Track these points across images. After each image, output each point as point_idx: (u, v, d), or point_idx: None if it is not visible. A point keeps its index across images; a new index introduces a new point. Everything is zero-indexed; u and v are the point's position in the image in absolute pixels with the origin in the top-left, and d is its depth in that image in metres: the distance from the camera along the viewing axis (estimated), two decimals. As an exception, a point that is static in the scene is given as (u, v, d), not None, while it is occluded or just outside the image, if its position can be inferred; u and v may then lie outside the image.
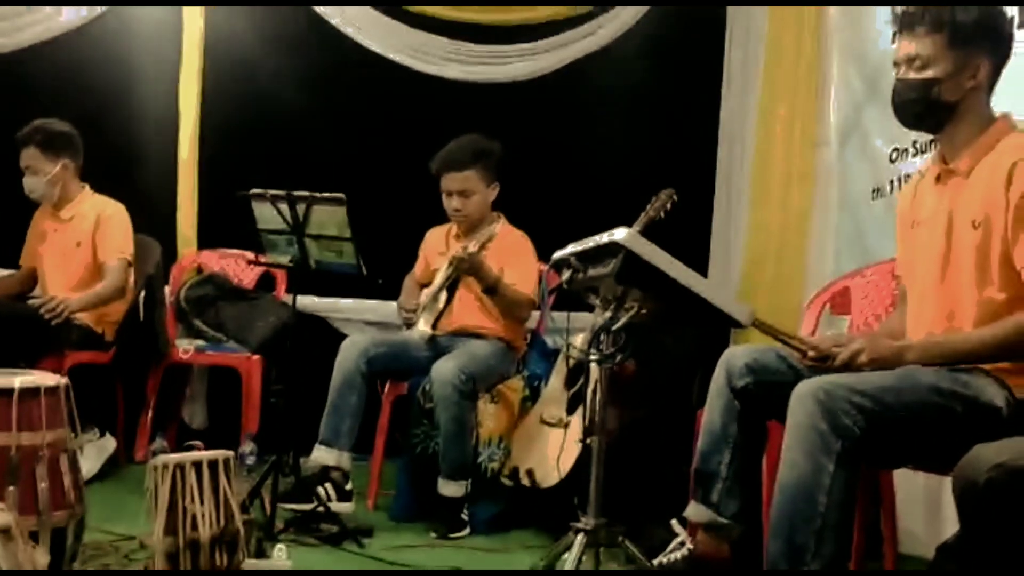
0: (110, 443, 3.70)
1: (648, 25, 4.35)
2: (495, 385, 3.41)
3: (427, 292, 3.55)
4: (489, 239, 3.47)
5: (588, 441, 2.44)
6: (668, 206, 3.34)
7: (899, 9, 2.20)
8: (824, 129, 3.76)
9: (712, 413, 2.30)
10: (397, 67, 4.37)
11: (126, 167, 4.28)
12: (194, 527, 2.23)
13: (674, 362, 3.49)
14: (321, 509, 3.04)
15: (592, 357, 2.43)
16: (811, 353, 2.11)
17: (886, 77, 2.28)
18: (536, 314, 3.64)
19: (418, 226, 3.82)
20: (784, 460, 1.96)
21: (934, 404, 1.97)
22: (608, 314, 2.32)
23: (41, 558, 2.09)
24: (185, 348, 3.95)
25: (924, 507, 2.96)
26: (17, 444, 2.22)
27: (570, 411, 3.26)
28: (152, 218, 4.07)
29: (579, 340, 3.00)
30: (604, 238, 2.19)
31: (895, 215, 2.45)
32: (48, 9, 4.21)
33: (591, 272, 2.31)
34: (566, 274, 2.43)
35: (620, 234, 2.13)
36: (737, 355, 2.27)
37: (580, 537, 2.35)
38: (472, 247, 3.35)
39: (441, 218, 3.63)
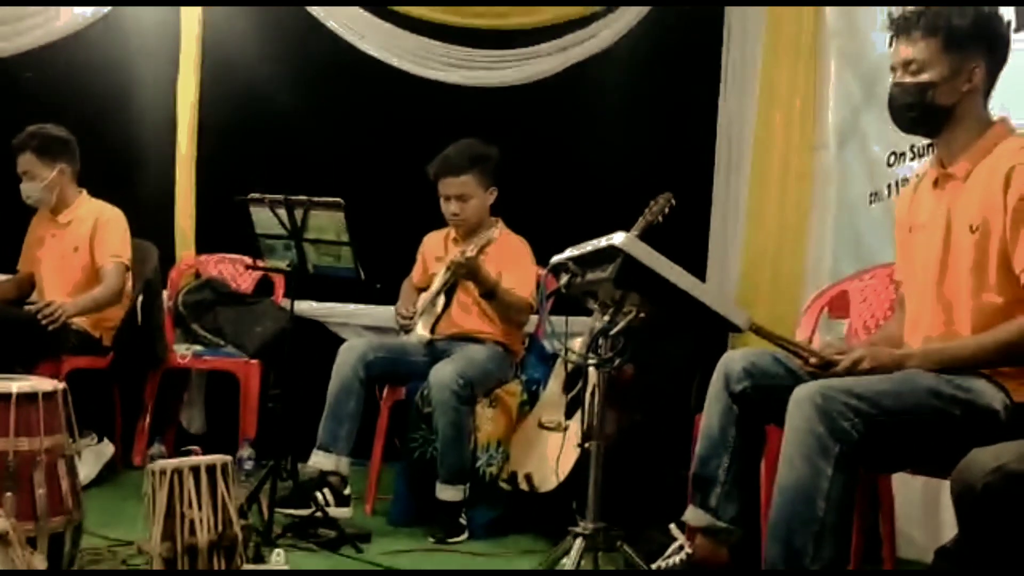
0: (108, 448, 3.70)
1: (646, 29, 4.36)
2: (493, 389, 3.40)
3: (425, 296, 3.55)
4: (487, 243, 3.46)
5: (586, 445, 2.44)
6: (666, 210, 3.34)
7: (895, 13, 2.20)
8: (822, 133, 3.76)
9: (710, 417, 2.30)
10: (395, 71, 4.37)
11: (124, 171, 4.28)
12: (192, 532, 2.23)
13: (672, 366, 3.49)
14: (319, 514, 3.03)
15: (590, 361, 2.42)
16: (813, 360, 2.12)
17: (883, 81, 2.28)
18: (534, 318, 3.64)
19: (416, 230, 3.82)
20: (782, 464, 1.96)
21: (932, 407, 1.97)
22: (606, 318, 2.32)
23: (39, 564, 2.08)
24: (183, 353, 3.95)
25: (922, 511, 2.96)
26: (15, 449, 2.22)
27: (568, 415, 3.26)
28: (150, 222, 4.07)
29: (577, 344, 3.00)
30: (602, 242, 2.19)
31: (893, 219, 2.45)
32: (49, 12, 4.21)
33: (589, 276, 2.31)
34: (564, 278, 2.43)
35: (618, 238, 2.13)
36: (735, 359, 2.27)
37: (579, 541, 2.35)
38: (470, 251, 3.35)
39: (439, 222, 3.63)
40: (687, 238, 4.05)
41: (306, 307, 4.21)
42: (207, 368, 4.13)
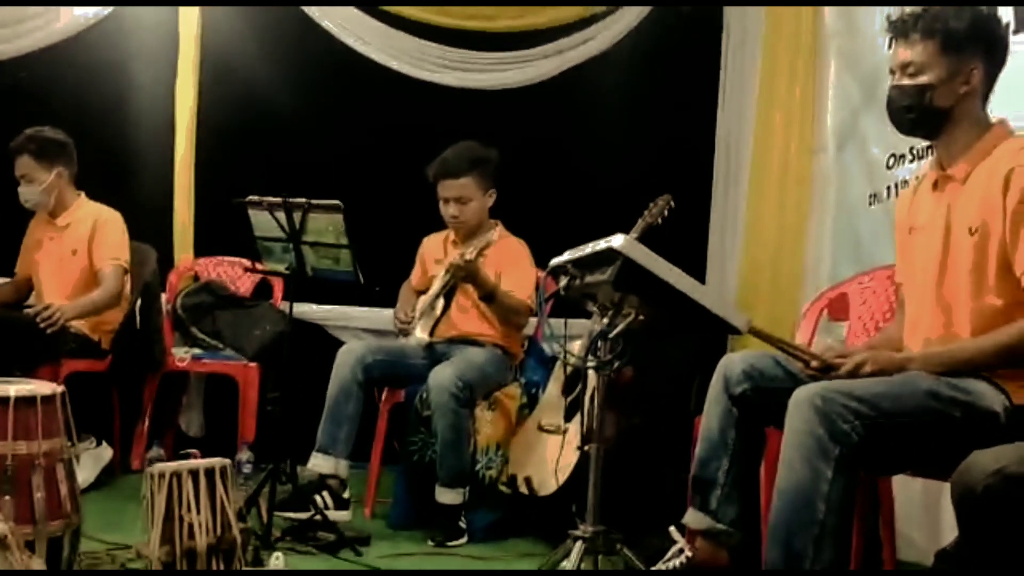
0: (106, 452, 3.69)
1: (645, 31, 4.36)
2: (492, 392, 3.40)
3: (424, 299, 3.55)
4: (486, 246, 3.47)
5: (586, 448, 2.44)
6: (665, 212, 3.34)
7: (894, 16, 2.21)
8: (821, 135, 3.77)
9: (710, 420, 2.30)
10: (394, 74, 4.37)
11: (122, 174, 4.28)
12: (191, 536, 2.23)
13: (672, 369, 3.49)
14: (318, 517, 3.03)
15: (590, 364, 2.42)
16: (813, 363, 2.12)
17: (883, 83, 2.29)
18: (533, 321, 3.64)
19: (415, 233, 3.82)
20: (782, 466, 1.96)
21: (932, 410, 1.97)
22: (605, 321, 2.32)
23: (37, 568, 2.08)
24: (182, 356, 3.94)
25: (923, 513, 2.95)
26: (13, 453, 2.22)
27: (568, 418, 3.26)
28: (148, 225, 4.06)
29: (577, 347, 3.00)
30: (601, 245, 2.19)
31: (892, 221, 2.45)
32: (49, 14, 4.21)
33: (588, 279, 2.31)
34: (563, 281, 2.42)
35: (617, 241, 2.12)
36: (735, 361, 2.27)
37: (578, 545, 2.35)
38: (469, 254, 3.35)
39: (438, 225, 3.63)
40: (686, 240, 4.05)
41: (305, 310, 4.21)
42: (206, 371, 4.12)
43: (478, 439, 3.30)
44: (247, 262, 3.90)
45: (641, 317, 2.27)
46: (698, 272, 4.24)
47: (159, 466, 2.27)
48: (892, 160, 3.29)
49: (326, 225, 2.91)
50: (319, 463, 3.24)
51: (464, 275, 3.35)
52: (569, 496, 2.96)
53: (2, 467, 2.20)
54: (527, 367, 3.67)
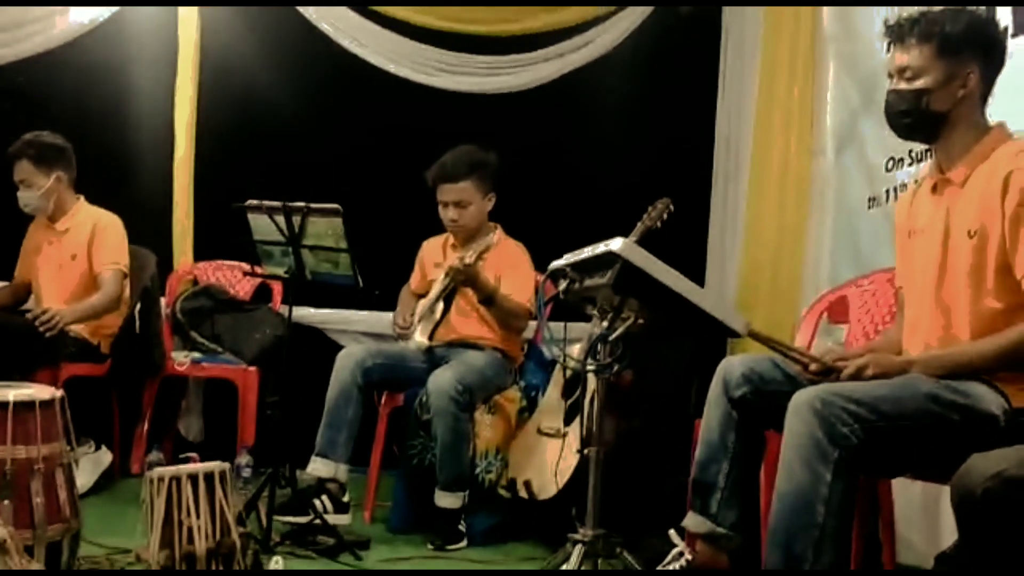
0: (106, 456, 3.69)
1: (644, 34, 4.37)
2: (492, 396, 3.40)
3: (424, 303, 3.54)
4: (486, 249, 3.46)
5: (586, 451, 2.43)
6: (665, 215, 3.34)
7: (891, 20, 2.21)
8: (820, 138, 3.77)
9: (710, 423, 2.30)
10: (394, 78, 4.38)
11: (121, 178, 4.28)
12: (190, 540, 2.23)
13: (671, 372, 3.49)
14: (318, 521, 3.02)
15: (589, 367, 2.42)
16: (813, 366, 2.12)
17: (881, 87, 2.29)
18: (533, 324, 3.64)
19: (414, 236, 3.82)
20: (782, 470, 1.96)
21: (931, 413, 1.97)
22: (605, 324, 2.32)
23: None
24: (181, 360, 3.94)
25: (922, 516, 2.95)
26: (12, 457, 2.22)
27: (567, 421, 3.25)
28: (148, 229, 4.06)
29: (576, 350, 3.00)
30: (600, 248, 2.19)
31: (891, 224, 2.46)
32: (49, 18, 4.20)
33: (588, 282, 2.31)
34: (563, 284, 2.42)
35: (616, 244, 2.12)
36: (734, 365, 2.27)
37: (578, 548, 2.34)
38: (469, 258, 3.35)
39: (438, 228, 3.63)
40: (685, 243, 4.05)
41: (304, 314, 4.21)
42: (205, 375, 4.12)
43: (478, 443, 3.29)
44: (246, 266, 3.91)
45: (640, 320, 2.26)
46: (697, 275, 4.24)
47: (158, 470, 2.27)
48: (891, 163, 3.29)
49: (325, 229, 2.91)
50: (318, 467, 3.23)
51: (464, 279, 3.35)
52: (569, 500, 2.96)
53: (1, 471, 2.20)
54: (527, 371, 3.67)
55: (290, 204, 2.93)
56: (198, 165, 4.35)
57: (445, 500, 3.21)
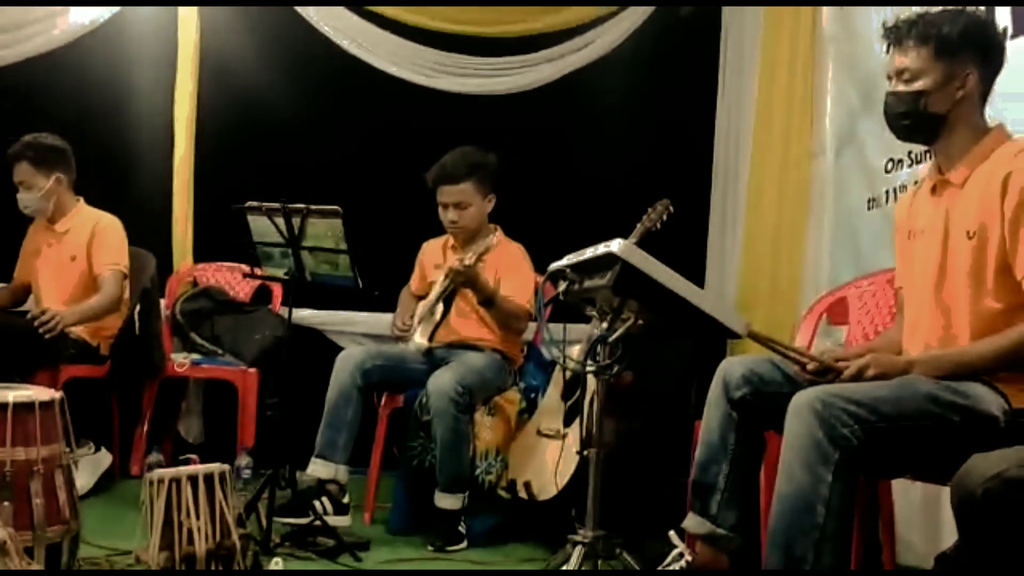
0: (105, 458, 3.69)
1: (643, 36, 4.37)
2: (492, 397, 3.40)
3: (424, 304, 3.55)
4: (486, 251, 3.47)
5: (585, 453, 2.43)
6: (664, 217, 3.34)
7: (888, 22, 2.21)
8: (820, 139, 3.77)
9: (709, 424, 2.30)
10: (393, 79, 4.38)
11: (121, 179, 4.28)
12: (190, 541, 2.23)
13: (671, 373, 3.49)
14: (318, 523, 3.02)
15: (589, 368, 2.42)
16: (811, 366, 2.12)
17: (881, 88, 2.29)
18: (533, 325, 3.64)
19: (414, 238, 3.82)
20: (782, 471, 1.96)
21: (931, 414, 1.97)
22: (604, 325, 2.32)
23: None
24: (181, 361, 3.94)
25: (922, 517, 2.95)
26: (11, 459, 2.21)
27: (567, 423, 3.25)
28: (147, 231, 4.06)
29: (576, 351, 3.00)
30: (600, 249, 2.19)
31: (891, 225, 2.46)
32: (50, 19, 4.20)
33: (587, 284, 2.31)
34: (562, 285, 2.42)
35: (616, 245, 2.12)
36: (734, 366, 2.27)
37: (578, 549, 2.34)
38: (468, 259, 3.35)
39: (437, 230, 3.63)
40: (685, 245, 4.05)
41: (304, 315, 4.20)
42: (205, 377, 4.12)
43: (477, 444, 3.29)
44: (246, 267, 3.92)
45: (640, 321, 2.26)
46: (697, 275, 4.25)
47: (158, 472, 2.27)
48: (891, 164, 3.29)
49: (325, 230, 2.91)
50: (318, 468, 3.23)
51: (463, 280, 3.35)
52: (569, 501, 2.96)
53: (1, 473, 2.19)
54: (526, 372, 3.67)
55: (290, 205, 2.93)
56: (198, 166, 4.35)
57: (445, 501, 3.21)
